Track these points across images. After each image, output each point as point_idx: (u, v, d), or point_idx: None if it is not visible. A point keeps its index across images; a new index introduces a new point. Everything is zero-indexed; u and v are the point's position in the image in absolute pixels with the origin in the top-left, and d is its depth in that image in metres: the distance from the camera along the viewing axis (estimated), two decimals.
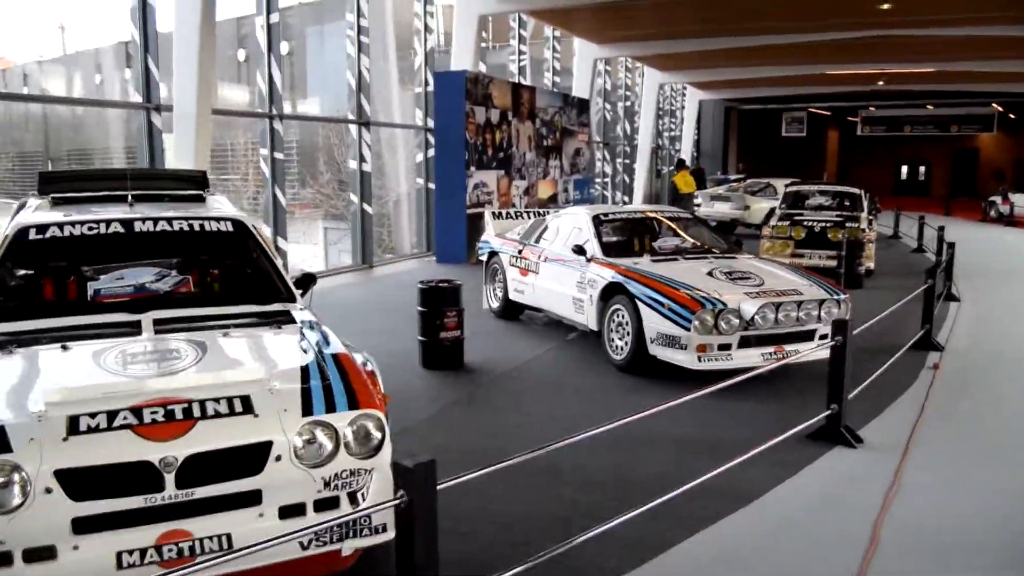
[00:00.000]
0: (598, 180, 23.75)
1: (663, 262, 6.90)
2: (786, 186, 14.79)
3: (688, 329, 5.90)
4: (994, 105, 30.99)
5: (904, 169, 40.80)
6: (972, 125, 31.87)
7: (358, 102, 13.04)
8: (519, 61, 18.16)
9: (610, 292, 6.70)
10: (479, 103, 13.57)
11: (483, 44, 21.20)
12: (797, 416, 5.22)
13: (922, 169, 40.28)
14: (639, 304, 6.29)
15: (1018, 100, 29.87)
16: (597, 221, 7.50)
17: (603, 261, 6.99)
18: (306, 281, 4.61)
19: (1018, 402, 6.11)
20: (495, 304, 8.90)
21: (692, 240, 7.66)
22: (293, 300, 4.35)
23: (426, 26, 14.66)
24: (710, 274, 6.49)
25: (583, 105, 18.34)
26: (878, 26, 16.59)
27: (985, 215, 24.39)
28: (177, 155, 9.55)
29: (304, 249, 21.14)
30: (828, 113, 35.75)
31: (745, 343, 6.03)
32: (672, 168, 15.94)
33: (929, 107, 31.87)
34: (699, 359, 5.94)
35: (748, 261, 7.09)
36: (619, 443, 4.84)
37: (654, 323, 6.15)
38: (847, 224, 12.16)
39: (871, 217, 13.89)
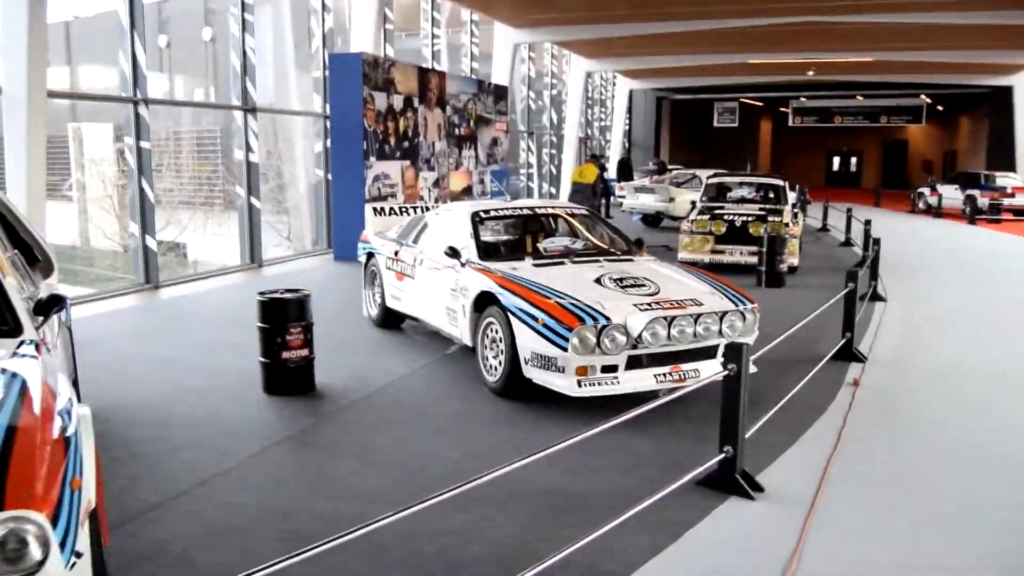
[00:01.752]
0: (523, 171, 22.84)
1: (546, 267, 5.95)
2: (707, 177, 14.04)
3: (565, 349, 4.95)
4: (923, 96, 30.96)
5: (836, 160, 40.87)
6: (901, 116, 31.82)
7: (243, 86, 11.82)
8: (432, 45, 17.07)
9: (483, 302, 5.73)
10: (379, 88, 12.47)
11: (396, 31, 20.09)
12: (693, 454, 4.35)
13: (854, 160, 40.38)
14: (511, 318, 5.33)
15: (946, 92, 29.88)
16: (476, 219, 6.51)
17: (477, 266, 6.00)
18: (47, 306, 3.50)
19: (941, 426, 5.30)
20: (373, 312, 7.86)
21: (586, 240, 6.73)
22: (18, 332, 3.25)
23: (324, 5, 13.48)
24: (598, 281, 5.56)
25: (501, 92, 17.35)
26: (808, 12, 15.98)
27: (914, 207, 24.16)
28: (9, 143, 8.28)
29: (223, 242, 19.79)
30: (760, 103, 35.42)
31: (634, 363, 5.11)
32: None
33: (859, 98, 31.71)
34: (579, 384, 5.00)
35: (646, 265, 6.18)
36: (469, 499, 3.87)
37: (528, 341, 5.19)
38: (769, 218, 11.43)
39: (797, 210, 13.21)
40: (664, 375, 5.15)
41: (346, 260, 11.88)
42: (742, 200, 12.75)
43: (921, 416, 5.50)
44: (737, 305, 5.45)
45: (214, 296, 9.86)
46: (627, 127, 32.40)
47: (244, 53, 11.76)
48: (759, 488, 4.06)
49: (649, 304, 5.18)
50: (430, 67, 15.45)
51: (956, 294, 10.49)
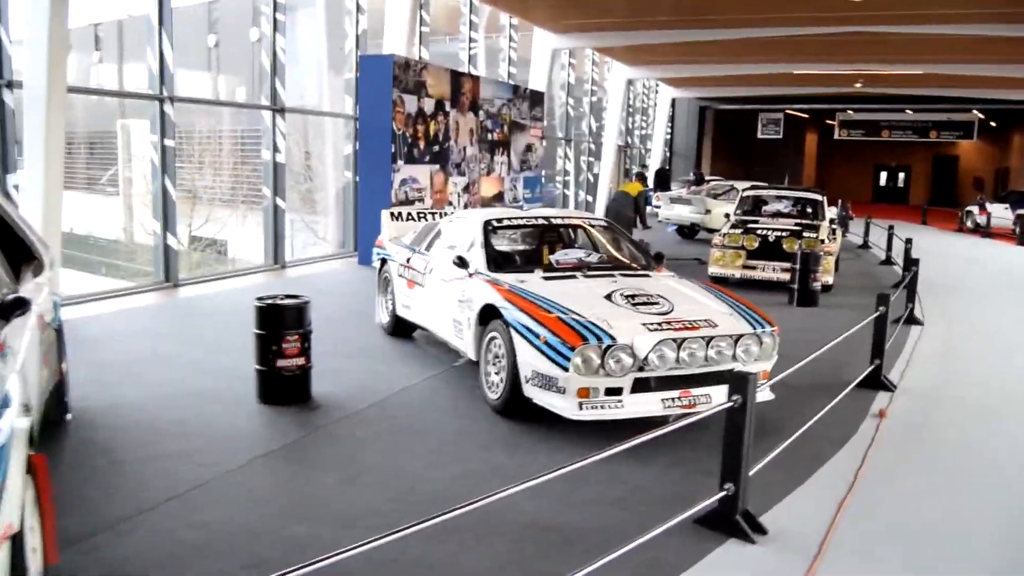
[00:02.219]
0: (559, 178, 22.58)
1: (557, 280, 5.69)
2: (743, 190, 13.63)
3: (566, 369, 4.69)
4: (975, 112, 30.00)
5: (883, 175, 39.88)
6: (952, 131, 30.86)
7: (272, 86, 11.75)
8: (469, 49, 16.89)
9: (487, 316, 5.49)
10: (410, 91, 12.32)
11: (439, 35, 19.97)
12: (695, 488, 4.07)
13: (902, 175, 39.36)
14: (512, 334, 5.08)
15: (1000, 107, 28.93)
16: (488, 228, 6.27)
17: (485, 277, 5.76)
18: (8, 309, 3.35)
19: (973, 466, 4.92)
20: (385, 319, 7.67)
21: (602, 253, 6.46)
22: None
23: (358, 6, 13.37)
24: (609, 297, 5.28)
25: (536, 98, 17.11)
26: (854, 21, 15.47)
27: (961, 225, 23.37)
28: (28, 138, 8.25)
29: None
30: (806, 115, 34.68)
31: (641, 386, 4.82)
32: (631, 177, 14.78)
33: (908, 111, 30.84)
34: (580, 406, 4.73)
35: (663, 281, 5.88)
36: (447, 529, 3.63)
37: (529, 358, 4.94)
38: (804, 234, 11.02)
39: (835, 226, 12.76)
40: (672, 400, 4.85)
41: (369, 264, 11.70)
42: (777, 215, 12.34)
43: (951, 453, 5.12)
44: (755, 328, 5.13)
45: (231, 297, 9.75)
46: (668, 136, 31.94)
47: (275, 53, 11.69)
48: (762, 530, 3.76)
49: (659, 324, 4.89)
50: (464, 71, 15.25)
51: (999, 318, 10.01)
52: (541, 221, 6.53)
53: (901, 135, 31.59)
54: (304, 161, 22.66)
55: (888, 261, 14.86)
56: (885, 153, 37.55)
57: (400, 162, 12.23)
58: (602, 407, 4.74)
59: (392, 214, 8.26)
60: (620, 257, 6.49)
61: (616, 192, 15.26)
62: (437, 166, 13.28)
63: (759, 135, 32.60)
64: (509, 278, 5.64)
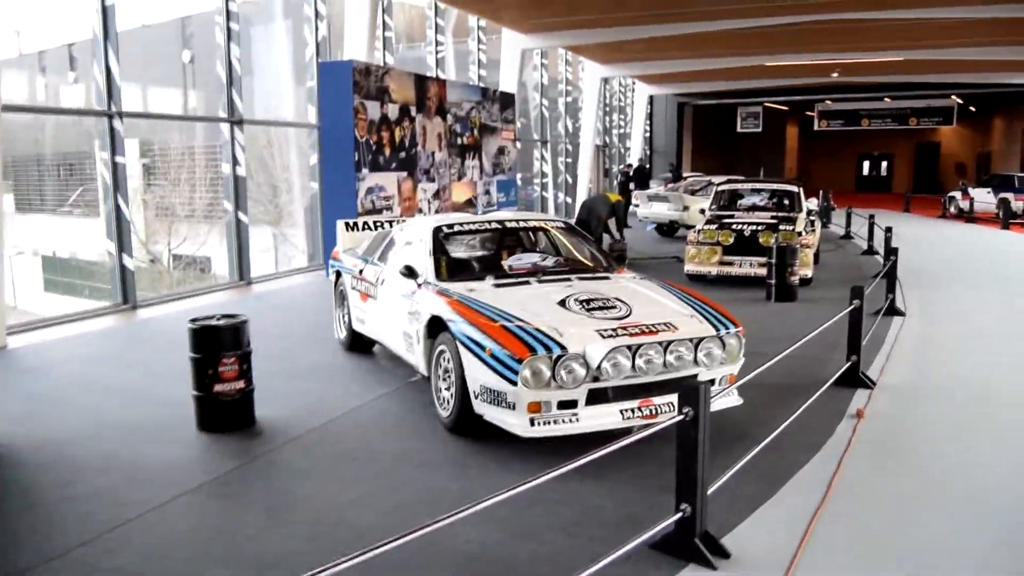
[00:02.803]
0: (536, 181, 22.27)
1: (509, 287, 5.36)
2: (717, 185, 13.35)
3: (515, 383, 4.35)
4: (953, 97, 29.85)
5: (866, 164, 39.73)
6: (931, 118, 30.66)
7: (229, 98, 11.40)
8: (436, 53, 16.58)
9: (436, 328, 5.16)
10: (372, 97, 11.98)
11: (415, 42, 19.65)
12: (654, 508, 3.77)
13: (884, 164, 39.22)
14: (459, 347, 4.75)
15: (979, 91, 28.79)
16: (438, 234, 5.94)
17: (434, 287, 5.43)
18: None
19: (957, 467, 4.61)
20: (342, 334, 7.33)
21: (559, 256, 6.14)
22: None
23: (316, 12, 13.03)
24: (563, 303, 4.95)
25: (507, 100, 16.81)
26: (827, 9, 15.23)
27: (945, 211, 23.17)
28: None
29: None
30: (786, 108, 34.48)
31: (597, 398, 4.50)
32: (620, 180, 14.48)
33: (887, 99, 30.66)
34: (532, 422, 4.39)
35: (623, 283, 5.55)
36: (373, 566, 3.29)
37: (477, 372, 4.61)
38: (780, 227, 10.73)
39: (814, 217, 12.48)
40: (632, 411, 4.52)
41: None
42: (753, 208, 12.06)
43: (932, 456, 4.80)
44: (718, 330, 4.81)
45: (189, 317, 9.38)
46: (648, 134, 31.68)
47: (229, 64, 11.35)
48: (724, 553, 3.43)
49: (614, 330, 4.57)
50: (430, 75, 14.91)
51: (984, 307, 9.69)
52: (495, 225, 6.19)
53: (881, 123, 31.39)
54: (283, 174, 22.34)
55: (870, 251, 14.60)
56: (867, 142, 37.41)
57: (365, 170, 11.89)
58: (555, 422, 4.41)
59: (347, 224, 7.92)
60: (579, 259, 6.17)
61: (597, 193, 15.02)
62: (405, 173, 12.96)
63: (739, 129, 32.36)
64: (458, 287, 5.31)
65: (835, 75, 24.77)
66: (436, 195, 13.97)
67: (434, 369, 5.19)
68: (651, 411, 4.55)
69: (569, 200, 23.59)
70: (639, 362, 4.44)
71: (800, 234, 10.66)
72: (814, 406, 5.22)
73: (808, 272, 10.55)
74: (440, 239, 5.92)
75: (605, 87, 26.86)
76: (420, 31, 20.11)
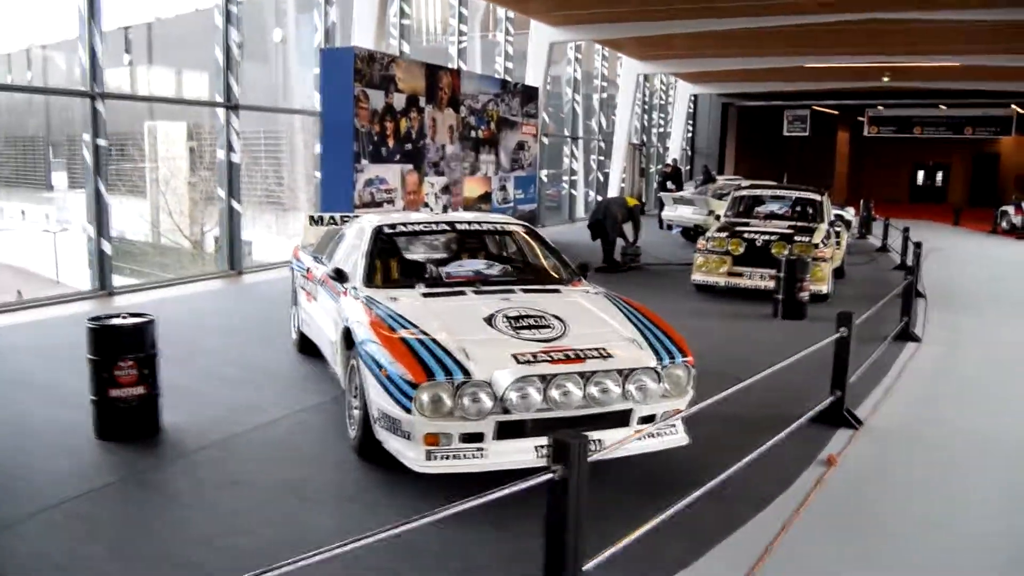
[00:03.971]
0: (565, 178, 21.63)
1: (439, 296, 4.80)
2: (735, 189, 12.58)
3: (409, 411, 3.80)
4: (1013, 106, 28.28)
5: (920, 174, 38.11)
6: (988, 127, 29.07)
7: (225, 82, 11.02)
8: (458, 43, 16.04)
9: (351, 339, 4.62)
10: (375, 86, 11.50)
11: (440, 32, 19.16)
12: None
13: (940, 174, 37.56)
14: (360, 363, 4.21)
15: None
16: (378, 235, 5.41)
17: (360, 293, 4.90)
18: None
19: (933, 537, 3.92)
20: (294, 335, 6.86)
21: (509, 264, 5.55)
22: None
23: None
24: (490, 319, 4.37)
25: (530, 93, 16.19)
26: (876, 7, 14.29)
27: (996, 226, 21.87)
28: None
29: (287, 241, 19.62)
30: (836, 112, 33.15)
31: (511, 431, 3.91)
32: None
33: (942, 107, 29.20)
34: (429, 455, 3.83)
35: (571, 298, 4.94)
36: None
37: (375, 394, 4.07)
38: (796, 237, 9.97)
39: (839, 228, 11.65)
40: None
41: None
42: (771, 216, 11.28)
43: (901, 517, 4.11)
44: (660, 359, 4.19)
45: (163, 308, 9.00)
46: (690, 134, 30.75)
47: (227, 47, 10.96)
48: None
49: (534, 354, 3.98)
50: (442, 65, 14.34)
51: (1019, 336, 8.78)
52: (444, 227, 5.62)
53: (934, 132, 29.91)
54: (293, 163, 22.12)
55: (903, 266, 13.65)
56: (922, 151, 35.83)
57: (365, 161, 11.43)
58: (457, 457, 3.84)
59: (312, 218, 7.44)
60: (532, 268, 5.59)
61: (614, 198, 14.43)
62: (410, 166, 12.46)
63: (785, 133, 31.17)
64: (381, 295, 4.76)
65: (886, 79, 23.58)
66: (446, 189, 13.45)
67: (349, 385, 4.66)
68: None
69: (600, 199, 22.88)
70: (553, 394, 3.85)
71: (817, 246, 9.88)
72: (781, 447, 4.55)
73: (824, 288, 9.77)
74: (381, 240, 5.38)
75: (645, 84, 26.07)
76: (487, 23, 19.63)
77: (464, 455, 3.85)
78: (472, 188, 14.31)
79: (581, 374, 3.91)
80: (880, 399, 5.99)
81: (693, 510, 3.62)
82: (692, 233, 16.95)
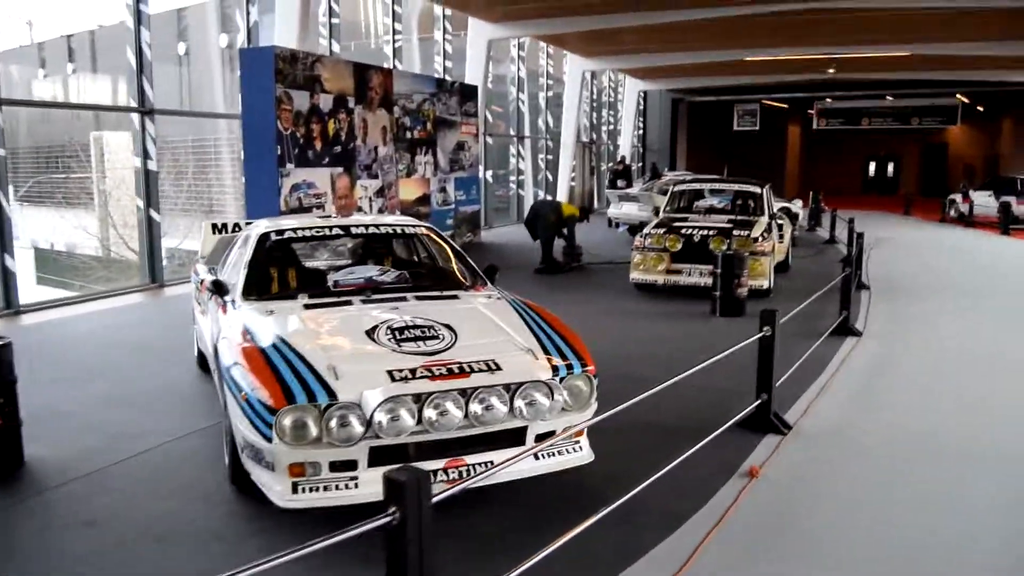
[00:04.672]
0: (512, 178, 21.26)
1: (323, 307, 4.37)
2: (673, 184, 12.30)
3: (269, 439, 3.37)
4: (958, 96, 28.50)
5: (872, 165, 38.37)
6: (935, 117, 29.29)
7: (139, 86, 10.46)
8: (393, 43, 15.59)
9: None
10: (299, 86, 11.00)
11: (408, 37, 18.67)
12: None
13: (891, 165, 37.85)
14: (226, 387, 3.77)
15: (988, 90, 27.48)
16: (264, 242, 4.96)
17: (238, 306, 4.46)
18: None
19: (845, 562, 3.58)
20: (194, 351, 6.38)
21: (406, 269, 5.14)
22: None
23: None
24: (372, 332, 3.94)
25: (468, 92, 15.78)
26: None
27: (944, 215, 21.94)
28: None
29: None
30: (785, 106, 33.21)
31: (389, 456, 3.50)
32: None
33: (888, 98, 29.35)
34: (295, 488, 3.41)
35: (469, 305, 4.54)
36: None
37: (238, 421, 3.63)
38: (735, 232, 9.68)
39: (782, 221, 11.41)
40: (434, 474, 3.52)
41: None
42: (711, 211, 11.00)
43: (836, 535, 3.75)
44: (556, 372, 3.80)
45: (70, 327, 8.48)
46: (640, 131, 30.57)
47: (139, 49, 10.41)
48: None
49: (412, 370, 3.57)
50: (371, 64, 13.85)
51: (966, 327, 8.52)
52: (338, 231, 5.18)
53: (881, 123, 30.06)
54: (216, 169, 21.60)
55: (848, 258, 13.47)
56: (874, 143, 36.05)
57: (290, 165, 10.92)
58: (327, 488, 3.43)
59: (215, 226, 6.95)
60: (432, 273, 5.19)
61: (547, 200, 14.14)
62: (340, 169, 11.98)
63: (735, 127, 31.13)
64: (258, 308, 4.32)
65: (831, 71, 23.57)
66: (380, 192, 12.99)
67: (225, 406, 4.21)
68: (460, 474, 3.55)
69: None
70: (428, 413, 3.44)
71: (756, 240, 9.60)
72: (700, 458, 4.19)
73: (764, 283, 9.50)
74: (266, 247, 4.94)
75: (593, 82, 25.81)
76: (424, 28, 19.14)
77: (335, 486, 3.43)
78: (409, 190, 13.86)
79: (463, 391, 3.50)
80: (812, 400, 5.67)
81: (594, 535, 3.24)
82: (638, 231, 16.68)
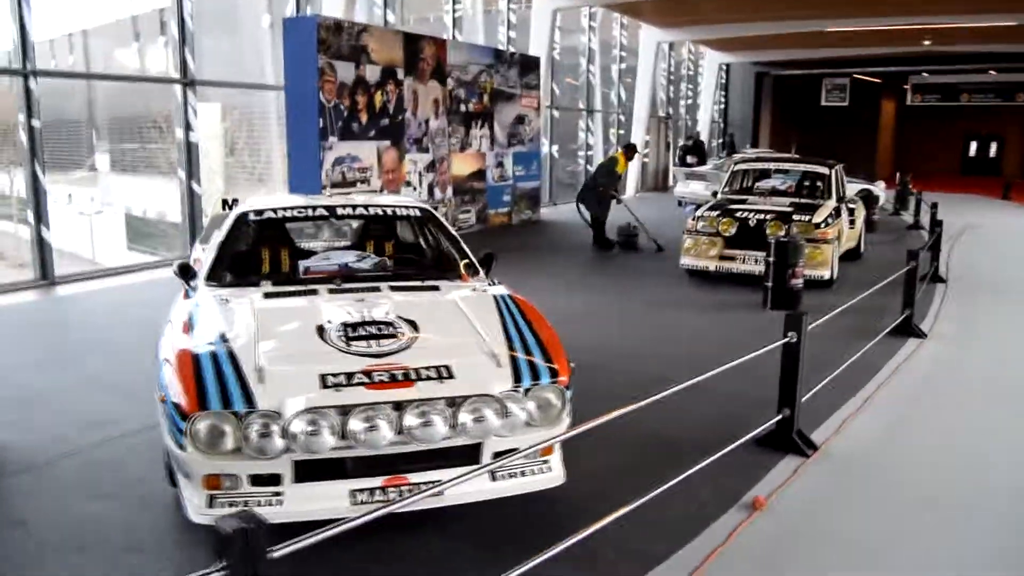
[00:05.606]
0: (581, 153, 20.59)
1: (284, 296, 4.00)
2: (735, 162, 11.50)
3: (183, 447, 3.02)
4: None
5: (973, 145, 35.97)
6: None
7: (181, 57, 10.33)
8: (453, 12, 15.12)
9: None
10: (344, 57, 10.70)
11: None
12: None
13: (994, 145, 35.39)
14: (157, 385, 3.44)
15: None
16: (242, 222, 4.62)
17: (192, 292, 4.13)
18: None
19: None
20: None
21: (389, 255, 4.73)
22: None
23: None
24: (322, 328, 3.54)
25: (529, 63, 15.21)
26: None
27: None
28: None
29: None
30: (879, 80, 31.31)
31: (322, 471, 3.11)
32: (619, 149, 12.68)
33: (992, 72, 27.27)
34: (211, 501, 3.05)
35: (448, 297, 4.08)
36: None
37: (162, 423, 3.29)
38: (795, 216, 8.93)
39: (853, 206, 10.53)
40: (370, 492, 3.12)
41: None
42: (772, 192, 10.21)
43: None
44: (520, 382, 3.32)
45: (106, 298, 8.48)
46: (722, 106, 29.34)
47: (181, 19, 10.26)
48: None
49: (349, 376, 3.15)
50: (424, 34, 13.39)
51: None
52: (322, 212, 4.79)
53: (984, 99, 27.99)
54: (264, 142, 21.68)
55: (915, 249, 12.43)
56: (975, 121, 33.75)
57: (333, 138, 10.65)
58: (246, 503, 3.05)
59: (226, 202, 6.66)
60: (417, 260, 4.77)
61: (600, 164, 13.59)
62: (387, 142, 11.65)
63: (823, 102, 29.50)
64: (215, 295, 3.97)
65: (927, 42, 21.95)
66: (430, 167, 12.63)
67: None
68: (401, 493, 3.13)
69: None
70: (355, 427, 3.01)
71: (819, 225, 8.84)
72: (697, 482, 3.67)
73: (825, 273, 8.75)
74: (243, 228, 4.59)
75: (670, 54, 24.80)
76: None
77: (258, 502, 3.06)
78: (462, 165, 13.46)
79: (397, 404, 3.07)
80: (850, 415, 4.99)
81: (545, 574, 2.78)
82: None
